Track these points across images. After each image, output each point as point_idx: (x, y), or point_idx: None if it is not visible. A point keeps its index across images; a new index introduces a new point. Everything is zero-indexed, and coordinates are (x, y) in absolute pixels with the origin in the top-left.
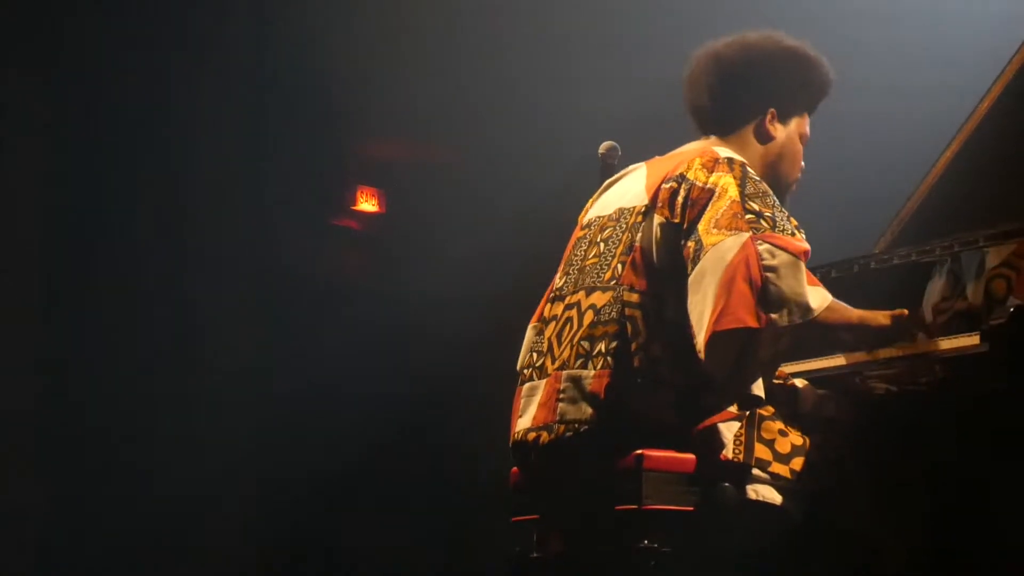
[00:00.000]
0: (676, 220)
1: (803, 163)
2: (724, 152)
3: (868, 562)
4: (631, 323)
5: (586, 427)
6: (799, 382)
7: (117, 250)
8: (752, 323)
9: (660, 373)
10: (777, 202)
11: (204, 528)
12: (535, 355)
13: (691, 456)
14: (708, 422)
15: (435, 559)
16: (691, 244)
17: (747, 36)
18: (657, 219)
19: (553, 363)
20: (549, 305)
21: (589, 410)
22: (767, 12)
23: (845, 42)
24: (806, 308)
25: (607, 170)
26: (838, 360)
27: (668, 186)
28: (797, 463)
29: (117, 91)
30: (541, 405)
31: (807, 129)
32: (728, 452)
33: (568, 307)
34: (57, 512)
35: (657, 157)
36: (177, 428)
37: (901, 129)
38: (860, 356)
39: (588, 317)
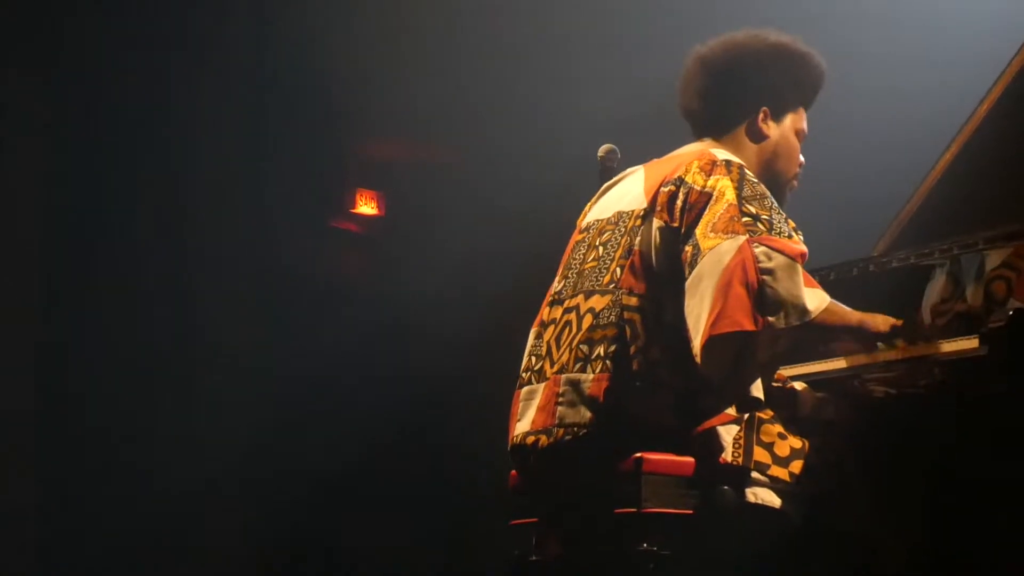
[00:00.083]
0: (675, 224)
1: (802, 159)
2: (722, 155)
3: (868, 565)
4: (630, 327)
5: (585, 431)
6: (798, 385)
7: (117, 250)
8: (749, 326)
9: (659, 376)
10: (775, 204)
11: (204, 528)
12: (534, 359)
13: (690, 459)
14: (707, 425)
15: (435, 559)
16: (689, 248)
17: (734, 36)
18: (656, 223)
19: (552, 367)
20: (548, 309)
21: (588, 414)
22: (766, 12)
23: (844, 44)
24: (803, 310)
25: (606, 173)
26: (837, 363)
27: (666, 189)
28: (796, 466)
29: (117, 91)
30: (540, 409)
31: (804, 125)
32: (727, 455)
33: (567, 311)
34: (57, 512)
35: (655, 159)
36: (177, 428)
37: (900, 131)
38: (859, 359)
39: (587, 321)
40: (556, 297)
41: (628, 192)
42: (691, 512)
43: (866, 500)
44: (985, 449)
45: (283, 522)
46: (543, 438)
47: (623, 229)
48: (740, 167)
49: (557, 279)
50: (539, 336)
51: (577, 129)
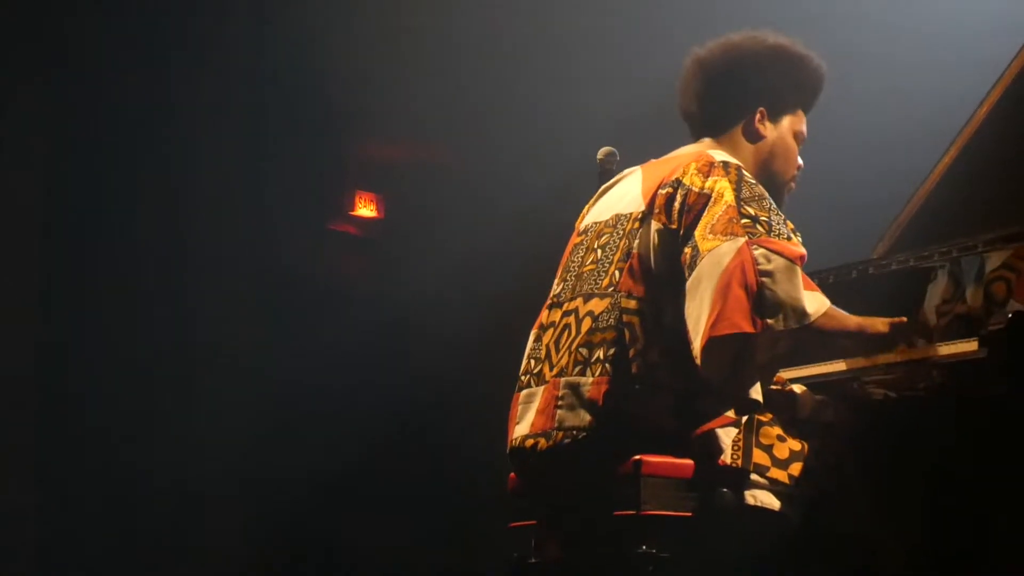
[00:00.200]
0: (673, 226)
1: (801, 162)
2: (720, 156)
3: (867, 567)
4: (629, 329)
5: (584, 434)
6: (797, 387)
7: (117, 250)
8: (748, 328)
9: (658, 379)
10: (773, 205)
11: (204, 528)
12: (532, 362)
13: (689, 462)
14: (706, 427)
15: (435, 560)
16: (688, 250)
17: (731, 37)
18: (654, 225)
19: (551, 370)
20: (547, 312)
21: (587, 417)
22: (766, 13)
23: (844, 45)
24: (802, 312)
25: (605, 176)
26: (837, 365)
27: (664, 191)
28: (796, 468)
29: (117, 91)
30: (539, 412)
31: (802, 127)
32: (726, 457)
33: (566, 314)
34: (57, 512)
35: (652, 161)
36: (177, 428)
37: (899, 133)
38: (859, 362)
39: (586, 324)
40: (555, 300)
41: (626, 194)
42: (690, 514)
43: (865, 502)
44: (984, 451)
45: (283, 522)
46: (542, 441)
47: (621, 232)
48: (738, 168)
49: (556, 282)
50: (538, 339)
51: (577, 130)
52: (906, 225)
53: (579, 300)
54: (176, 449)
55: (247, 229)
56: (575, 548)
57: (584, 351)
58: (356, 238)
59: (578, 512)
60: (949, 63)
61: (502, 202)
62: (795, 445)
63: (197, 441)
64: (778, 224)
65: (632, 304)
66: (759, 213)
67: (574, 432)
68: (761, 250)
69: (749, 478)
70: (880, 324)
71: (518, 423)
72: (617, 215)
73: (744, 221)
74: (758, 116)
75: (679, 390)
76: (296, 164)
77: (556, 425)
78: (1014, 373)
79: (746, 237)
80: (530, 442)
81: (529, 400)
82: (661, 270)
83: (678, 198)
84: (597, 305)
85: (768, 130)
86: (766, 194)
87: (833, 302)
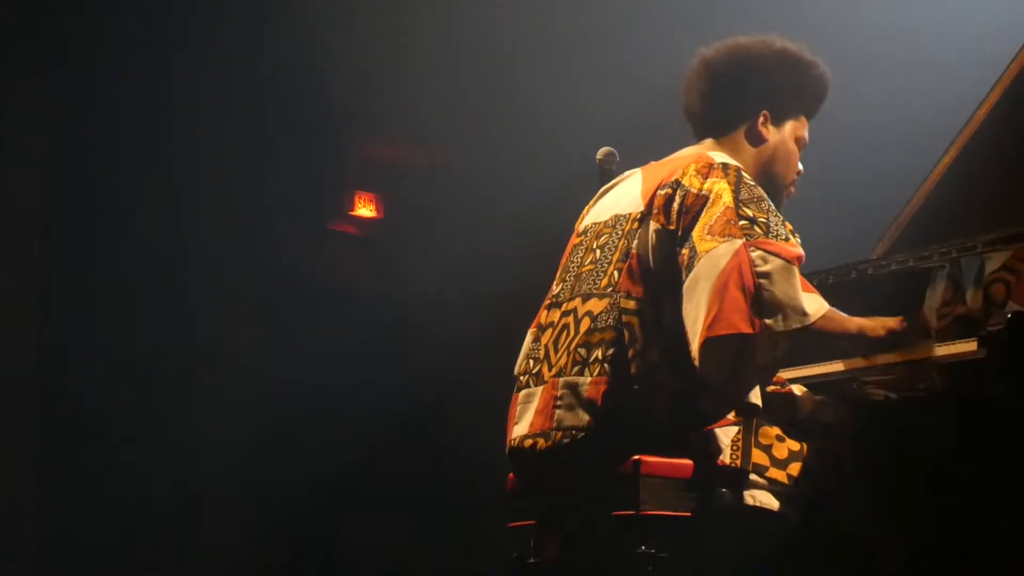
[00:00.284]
0: (672, 227)
1: (801, 167)
2: (719, 157)
3: (866, 567)
4: (628, 330)
5: (583, 434)
6: (797, 388)
7: (117, 250)
8: (746, 329)
9: (657, 379)
10: (772, 207)
11: (204, 528)
12: (531, 362)
13: (688, 462)
14: (705, 428)
15: (435, 560)
16: (685, 251)
17: (739, 40)
18: (653, 225)
19: (550, 370)
20: (546, 312)
21: (586, 417)
22: (765, 14)
23: (843, 46)
24: (801, 313)
25: (605, 176)
26: (836, 366)
27: (663, 192)
28: (795, 468)
29: (117, 91)
30: (538, 412)
31: (804, 133)
32: (725, 457)
33: (565, 314)
34: (57, 512)
35: (652, 162)
36: (177, 428)
37: (899, 134)
38: (858, 362)
39: (585, 324)
40: (554, 300)
41: (625, 195)
42: (689, 514)
43: (865, 502)
44: (984, 451)
45: (283, 522)
46: (541, 441)
47: (620, 232)
48: (737, 170)
49: (555, 282)
50: (536, 339)
51: (577, 130)
52: (906, 225)
53: (578, 300)
54: (176, 449)
55: (247, 229)
56: (574, 548)
57: (583, 351)
58: (356, 238)
59: (577, 512)
60: (949, 63)
61: (502, 202)
62: (794, 445)
63: (197, 441)
64: (776, 225)
65: (631, 304)
66: (757, 214)
67: (573, 432)
68: (758, 251)
69: (748, 478)
70: (880, 325)
71: (517, 423)
72: (616, 215)
73: (742, 223)
74: (761, 119)
75: (678, 390)
76: (296, 164)
77: (555, 425)
78: (1013, 373)
79: (743, 238)
80: (529, 442)
81: (528, 400)
82: (660, 270)
83: (677, 199)
84: (596, 305)
85: (771, 134)
86: (765, 196)
87: (832, 303)
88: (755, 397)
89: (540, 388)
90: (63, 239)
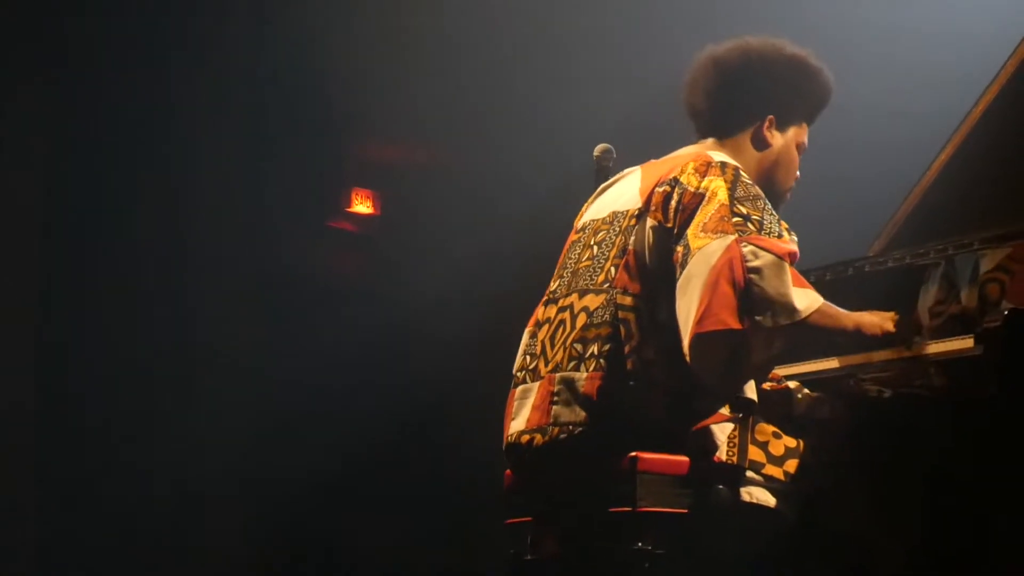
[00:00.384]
0: (668, 224)
1: (798, 173)
2: (718, 156)
3: (863, 564)
4: (624, 326)
5: (580, 429)
6: (793, 384)
7: (117, 250)
8: (735, 324)
9: (653, 375)
10: (768, 205)
11: (204, 528)
12: (528, 358)
13: (685, 458)
14: (701, 424)
15: (435, 559)
16: (680, 248)
17: (749, 41)
18: (650, 222)
19: (546, 366)
20: (543, 308)
21: (583, 412)
22: (765, 14)
23: (841, 45)
24: (791, 309)
25: (602, 172)
26: (832, 363)
27: (661, 190)
28: (791, 465)
29: (117, 91)
30: (535, 408)
31: (805, 139)
32: (722, 454)
33: (561, 310)
34: (57, 512)
35: (653, 161)
36: (177, 428)
37: (896, 132)
38: (854, 359)
39: (581, 320)
40: (551, 297)
41: (624, 192)
42: (686, 511)
43: (861, 499)
44: (980, 449)
45: (283, 522)
46: (538, 437)
47: (618, 229)
48: (736, 169)
49: (553, 279)
50: (533, 335)
51: (576, 130)
52: (903, 223)
53: (574, 296)
54: (176, 449)
55: (247, 228)
56: (571, 545)
57: (579, 347)
58: (353, 235)
59: (574, 508)
60: (949, 63)
61: (501, 201)
62: (790, 442)
63: (197, 441)
64: (770, 223)
65: (627, 300)
66: (751, 212)
67: (570, 427)
68: (750, 247)
69: (744, 475)
70: (876, 320)
71: (514, 419)
72: (614, 212)
73: (735, 219)
74: (767, 124)
75: (674, 387)
76: (296, 164)
77: (551, 421)
78: (1010, 371)
79: (736, 235)
80: (526, 438)
81: (525, 396)
82: (656, 267)
83: (674, 196)
84: (592, 301)
85: (775, 139)
86: (761, 195)
87: (829, 299)
88: (751, 392)
89: (536, 384)
90: (63, 239)
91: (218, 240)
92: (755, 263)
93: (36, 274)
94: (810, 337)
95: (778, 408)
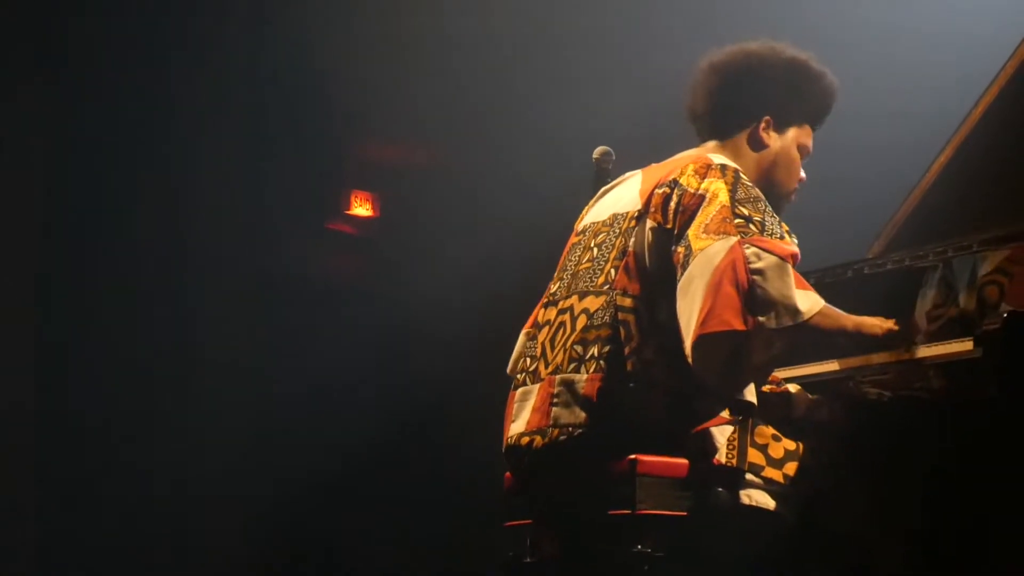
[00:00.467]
0: (668, 226)
1: (804, 176)
2: (718, 159)
3: (862, 566)
4: (624, 327)
5: (580, 431)
6: (792, 387)
7: (117, 250)
8: (738, 325)
9: (653, 377)
10: (768, 207)
11: (204, 528)
12: (528, 360)
13: (685, 461)
14: (701, 426)
15: (435, 560)
16: (681, 249)
17: (748, 45)
18: (649, 224)
19: (546, 367)
20: (543, 310)
21: (583, 414)
22: (765, 15)
23: (841, 46)
24: (794, 311)
25: (601, 175)
26: (831, 365)
27: (661, 191)
28: (790, 468)
29: (117, 91)
30: (535, 409)
31: (807, 141)
32: (721, 456)
33: (561, 312)
34: (57, 512)
35: (653, 164)
36: (177, 428)
37: (895, 132)
38: (854, 361)
39: (581, 321)
40: (550, 299)
41: (624, 195)
42: (685, 514)
43: (861, 501)
44: (979, 450)
45: (283, 522)
46: (538, 439)
47: (617, 230)
48: (735, 171)
49: (552, 281)
50: (532, 337)
51: (576, 130)
52: (902, 225)
53: (574, 298)
54: (176, 449)
55: (246, 229)
56: (570, 547)
57: (579, 348)
58: (352, 237)
59: (574, 510)
60: (949, 63)
61: (500, 202)
62: (790, 444)
63: (197, 441)
64: (772, 224)
65: (627, 302)
66: (753, 214)
67: (570, 429)
68: (753, 248)
69: (744, 477)
70: (877, 323)
71: (514, 421)
72: (614, 215)
73: (737, 221)
74: (763, 125)
75: (674, 388)
76: (295, 164)
77: (552, 422)
78: (1009, 373)
79: (738, 236)
80: (526, 439)
81: (525, 398)
82: (656, 269)
83: (674, 198)
84: (592, 303)
85: (772, 140)
86: (762, 196)
87: (829, 302)
88: (751, 395)
89: (537, 386)
90: (63, 239)
91: (218, 240)
92: (758, 265)
93: (36, 274)
94: (811, 338)
95: (777, 411)
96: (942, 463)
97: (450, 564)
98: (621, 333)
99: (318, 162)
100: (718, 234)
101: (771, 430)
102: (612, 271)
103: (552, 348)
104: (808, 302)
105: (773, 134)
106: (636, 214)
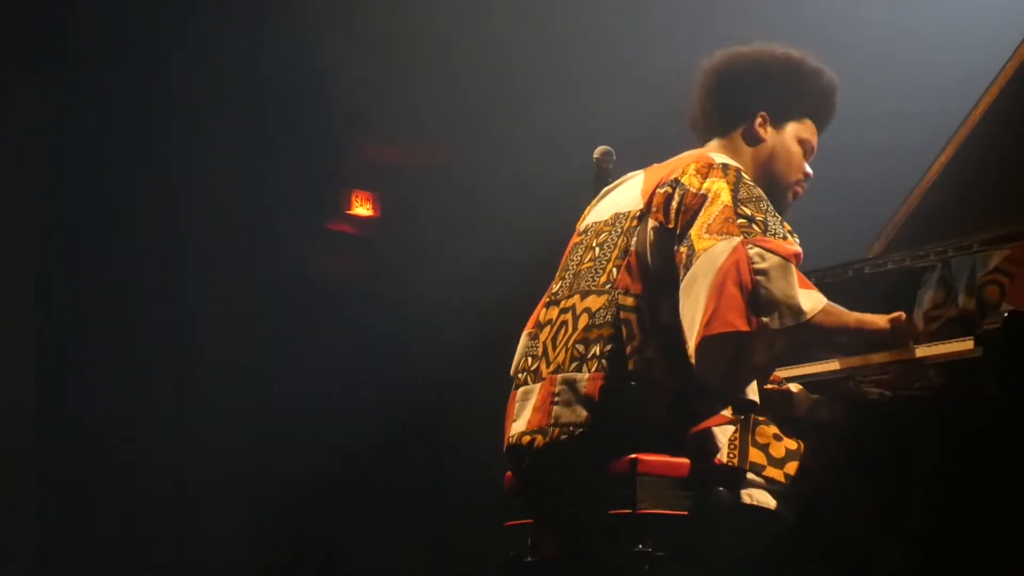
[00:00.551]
0: (670, 225)
1: (810, 171)
2: (719, 158)
3: (863, 566)
4: (626, 326)
5: (581, 430)
6: (793, 386)
7: (117, 250)
8: (743, 327)
9: (654, 376)
10: (771, 207)
11: (204, 528)
12: (530, 359)
13: (685, 460)
14: (702, 426)
15: (435, 559)
16: (683, 249)
17: (741, 48)
18: (651, 223)
19: (548, 367)
20: (544, 310)
21: (584, 413)
22: (764, 15)
23: (841, 46)
24: (798, 311)
25: (602, 174)
26: (832, 364)
27: (663, 191)
28: (791, 467)
29: (117, 91)
30: (536, 409)
31: (809, 136)
32: (722, 456)
33: (563, 311)
34: (57, 512)
35: (655, 164)
36: (177, 428)
37: (895, 133)
38: (854, 360)
39: (583, 320)
40: (552, 298)
41: (626, 194)
42: (686, 513)
43: (861, 501)
44: (980, 450)
45: (283, 522)
46: (539, 438)
47: (619, 230)
48: (737, 170)
49: (554, 280)
50: (534, 337)
51: (576, 130)
52: (902, 225)
53: (576, 297)
54: (176, 449)
55: (246, 229)
56: (571, 547)
57: (580, 347)
58: (353, 237)
59: (574, 510)
60: (949, 63)
61: (500, 202)
62: (791, 444)
63: (197, 441)
64: (774, 224)
65: (629, 301)
66: (755, 213)
67: (571, 428)
68: (756, 248)
69: (745, 477)
70: (879, 320)
71: (515, 420)
72: (616, 214)
73: (740, 221)
74: (759, 120)
75: (675, 388)
76: (295, 164)
77: (552, 421)
78: (1009, 373)
79: (742, 236)
80: (527, 439)
81: (526, 397)
82: (658, 268)
83: (676, 198)
84: (594, 302)
85: (768, 135)
86: (764, 196)
87: (829, 301)
88: (753, 394)
89: (538, 385)
90: (63, 239)
91: (218, 240)
92: (762, 265)
93: (36, 274)
94: (813, 337)
95: (779, 410)
96: (942, 463)
97: (450, 564)
98: (623, 332)
99: (318, 162)
100: (721, 234)
101: (773, 429)
102: (614, 270)
103: (554, 347)
104: (811, 301)
105: (770, 129)
106: (638, 213)
